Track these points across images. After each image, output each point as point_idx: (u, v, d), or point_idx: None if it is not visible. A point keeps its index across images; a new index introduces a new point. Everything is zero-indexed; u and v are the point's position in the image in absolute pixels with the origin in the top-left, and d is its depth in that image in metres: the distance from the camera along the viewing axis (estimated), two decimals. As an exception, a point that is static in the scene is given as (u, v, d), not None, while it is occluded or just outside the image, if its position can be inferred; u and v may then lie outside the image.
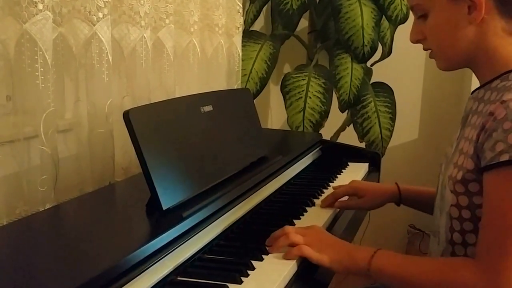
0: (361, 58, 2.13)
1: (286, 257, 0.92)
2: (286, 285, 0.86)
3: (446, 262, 0.90)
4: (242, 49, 1.79)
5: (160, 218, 0.91)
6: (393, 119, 2.25)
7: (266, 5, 2.27)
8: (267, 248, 0.95)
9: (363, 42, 2.09)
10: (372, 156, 1.67)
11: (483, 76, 0.95)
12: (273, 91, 2.58)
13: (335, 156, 1.66)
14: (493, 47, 0.91)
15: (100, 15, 1.12)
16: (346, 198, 1.25)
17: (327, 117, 2.10)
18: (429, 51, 0.98)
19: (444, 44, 0.95)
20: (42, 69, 0.99)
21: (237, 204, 1.08)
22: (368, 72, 2.31)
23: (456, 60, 0.96)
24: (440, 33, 0.94)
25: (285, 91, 2.09)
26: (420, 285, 0.88)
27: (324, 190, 1.35)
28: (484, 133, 0.84)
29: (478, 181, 0.87)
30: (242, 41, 1.80)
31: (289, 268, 0.89)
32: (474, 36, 0.91)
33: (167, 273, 0.82)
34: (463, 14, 0.90)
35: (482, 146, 0.84)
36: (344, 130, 2.36)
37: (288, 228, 0.98)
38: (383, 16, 2.18)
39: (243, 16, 1.81)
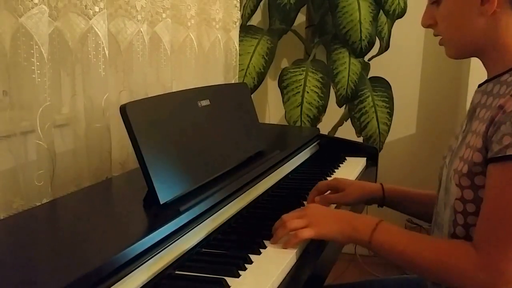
0: (359, 52, 2.13)
1: (286, 247, 0.92)
2: (284, 278, 0.86)
3: (448, 246, 0.90)
4: (239, 44, 1.79)
5: (157, 213, 0.91)
6: (390, 114, 2.25)
7: (263, 0, 2.26)
8: (267, 240, 0.95)
9: (361, 36, 2.09)
10: (369, 151, 1.67)
11: (492, 68, 0.94)
12: (271, 86, 2.58)
13: (332, 151, 1.66)
14: (504, 41, 0.90)
15: (96, 9, 1.11)
16: (328, 193, 1.23)
17: (325, 112, 2.10)
18: (439, 37, 0.98)
19: (453, 33, 0.94)
20: (38, 64, 0.98)
21: (235, 199, 1.08)
22: (366, 67, 2.31)
23: (465, 50, 0.95)
24: (451, 21, 0.94)
25: (283, 86, 2.09)
26: (418, 264, 0.88)
27: (322, 185, 1.34)
28: (493, 126, 0.84)
29: (484, 174, 0.86)
30: (240, 36, 1.80)
31: (287, 261, 0.89)
32: (485, 28, 0.91)
33: (165, 267, 0.82)
34: (475, 5, 0.90)
35: (490, 138, 0.84)
36: (342, 125, 2.36)
37: (284, 216, 0.98)
38: (381, 11, 2.18)
39: (240, 10, 1.81)
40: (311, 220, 0.95)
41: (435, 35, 0.98)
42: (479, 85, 0.98)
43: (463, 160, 0.91)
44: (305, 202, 1.20)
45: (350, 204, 1.23)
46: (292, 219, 0.96)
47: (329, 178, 1.41)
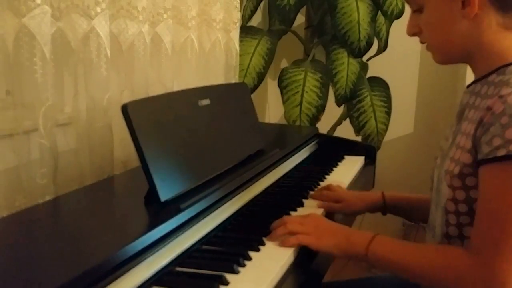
0: (357, 53, 2.14)
1: (284, 245, 0.94)
2: (283, 275, 0.87)
3: (442, 252, 0.90)
4: (239, 44, 1.80)
5: (158, 210, 0.91)
6: (388, 113, 2.27)
7: (263, 1, 2.28)
8: (266, 237, 0.96)
9: (359, 37, 2.10)
10: (367, 150, 1.68)
11: (479, 70, 0.95)
12: (271, 85, 2.59)
13: (331, 150, 1.67)
14: (488, 41, 0.91)
15: (98, 9, 1.12)
16: None
17: (324, 111, 2.11)
18: (426, 44, 0.98)
19: (438, 39, 0.95)
20: (40, 63, 0.99)
21: (235, 196, 1.09)
22: (364, 67, 2.32)
23: (452, 54, 0.96)
24: (435, 27, 0.94)
25: (282, 85, 2.10)
26: (415, 273, 0.89)
27: (320, 183, 1.36)
28: (482, 127, 0.85)
29: (475, 175, 0.87)
30: (240, 37, 1.81)
31: (286, 258, 0.90)
32: (469, 31, 0.91)
33: (166, 264, 0.83)
34: (457, 9, 0.90)
35: (479, 140, 0.85)
36: (341, 124, 2.38)
37: (286, 217, 1.00)
38: (379, 11, 2.19)
39: (240, 11, 1.82)
40: (311, 230, 0.96)
41: (422, 43, 0.99)
42: (468, 86, 0.98)
43: (454, 161, 0.91)
44: (304, 200, 1.21)
45: (352, 214, 1.26)
46: (293, 222, 0.98)
47: (327, 177, 1.43)
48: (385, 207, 1.21)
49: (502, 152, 0.80)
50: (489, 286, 0.82)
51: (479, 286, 0.82)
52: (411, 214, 1.23)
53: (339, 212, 1.21)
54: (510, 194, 0.80)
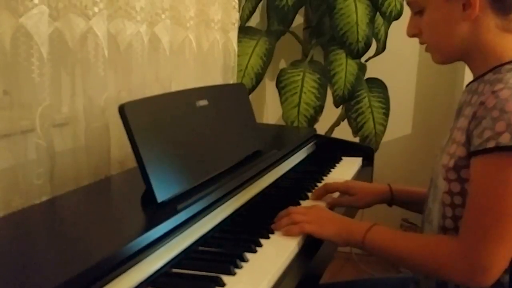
0: (356, 54, 2.14)
1: (288, 234, 0.98)
2: (280, 277, 0.87)
3: (432, 240, 0.95)
4: (238, 45, 1.80)
5: (154, 211, 0.91)
6: (386, 114, 2.27)
7: (262, 1, 2.28)
8: (265, 240, 0.97)
9: (358, 38, 2.11)
10: (365, 151, 1.68)
11: (477, 69, 0.98)
12: (269, 86, 2.59)
13: (329, 151, 1.67)
14: (487, 43, 0.94)
15: (96, 9, 1.12)
16: (337, 194, 1.26)
17: (322, 112, 2.11)
18: (425, 45, 1.01)
19: (438, 40, 0.98)
20: (38, 63, 0.99)
21: (232, 198, 1.09)
22: (362, 68, 2.33)
23: (451, 55, 0.99)
24: (435, 29, 0.97)
25: (281, 86, 2.11)
26: (407, 259, 0.93)
27: (318, 184, 1.36)
28: (475, 121, 0.88)
29: (469, 167, 0.90)
30: (238, 37, 1.81)
31: (282, 259, 0.90)
32: (468, 33, 0.94)
33: (162, 265, 0.83)
34: (457, 12, 0.93)
35: (472, 133, 0.88)
36: (339, 125, 2.38)
37: (291, 208, 1.05)
38: (377, 13, 2.19)
39: (239, 12, 1.82)
40: (314, 219, 1.01)
41: (421, 43, 1.02)
42: (467, 85, 1.02)
43: (450, 155, 0.94)
44: (301, 201, 1.21)
45: (360, 208, 1.28)
46: (297, 213, 1.02)
47: (325, 178, 1.43)
48: (392, 199, 1.24)
49: (491, 144, 0.84)
50: (472, 270, 0.85)
51: (462, 271, 0.86)
52: (415, 207, 1.25)
53: (349, 205, 1.24)
54: (499, 184, 0.84)
